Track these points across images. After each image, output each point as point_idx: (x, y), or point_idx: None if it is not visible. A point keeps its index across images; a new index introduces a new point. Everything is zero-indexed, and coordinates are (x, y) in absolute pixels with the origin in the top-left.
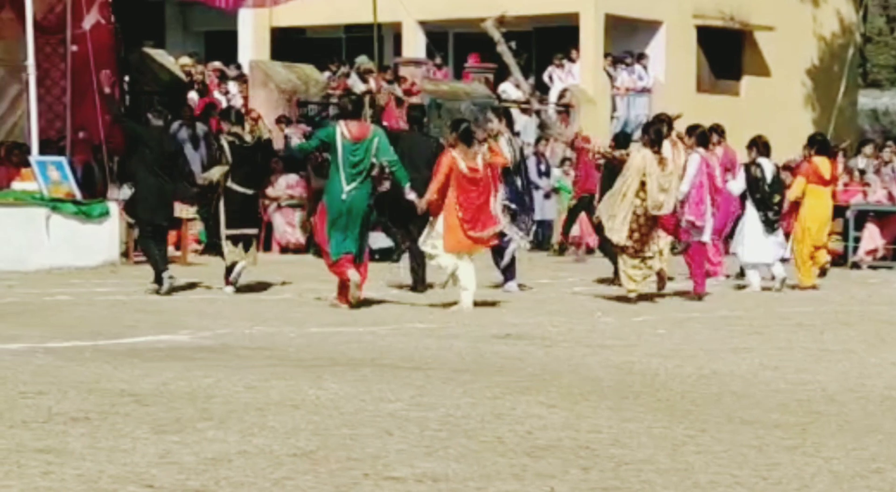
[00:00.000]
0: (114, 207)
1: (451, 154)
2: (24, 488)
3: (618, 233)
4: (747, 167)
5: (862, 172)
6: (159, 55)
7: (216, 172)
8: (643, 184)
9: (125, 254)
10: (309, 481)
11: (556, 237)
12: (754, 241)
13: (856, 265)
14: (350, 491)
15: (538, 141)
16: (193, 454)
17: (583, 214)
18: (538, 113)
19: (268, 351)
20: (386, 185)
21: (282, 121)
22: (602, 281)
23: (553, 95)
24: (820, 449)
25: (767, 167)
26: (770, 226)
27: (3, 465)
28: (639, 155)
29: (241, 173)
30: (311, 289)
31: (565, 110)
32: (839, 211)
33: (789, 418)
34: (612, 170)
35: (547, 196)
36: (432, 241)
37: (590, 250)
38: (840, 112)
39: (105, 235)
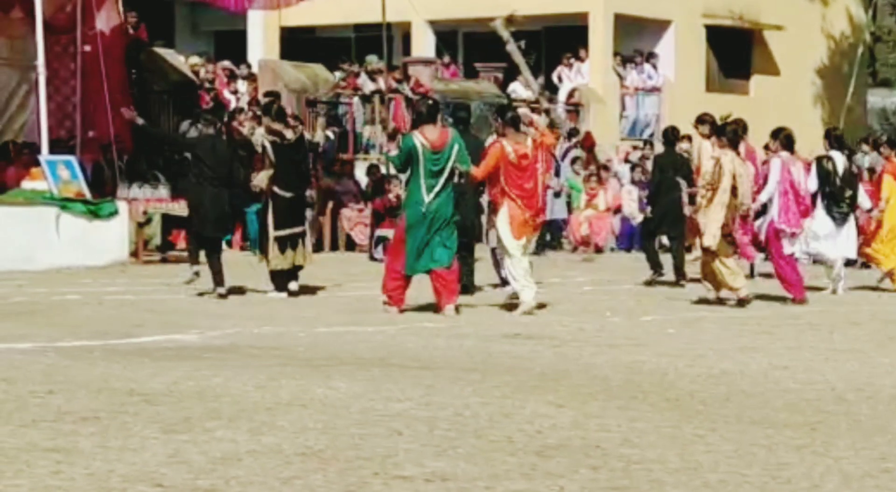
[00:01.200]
0: (123, 207)
1: (501, 143)
2: (34, 487)
3: (714, 238)
4: (819, 160)
5: (871, 171)
6: (169, 55)
7: (263, 178)
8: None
9: (134, 253)
10: (318, 481)
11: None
12: (823, 236)
13: (865, 265)
14: (359, 490)
15: None
16: (202, 454)
17: (592, 213)
18: (547, 112)
19: (277, 350)
20: None
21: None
22: (648, 284)
23: (562, 95)
24: (829, 449)
25: (839, 160)
26: (842, 220)
27: (13, 464)
28: (727, 158)
29: (282, 175)
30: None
31: (574, 110)
32: None
33: (798, 417)
34: (664, 171)
35: (557, 195)
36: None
37: (598, 250)
38: (849, 111)
39: (114, 234)
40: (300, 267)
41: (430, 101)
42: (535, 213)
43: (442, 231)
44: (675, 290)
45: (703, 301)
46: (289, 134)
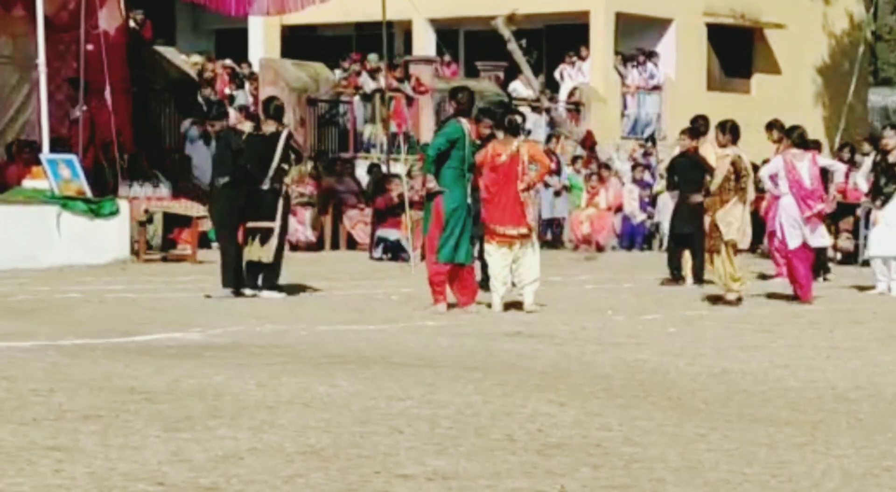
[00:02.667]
0: (124, 205)
1: (492, 143)
2: (36, 485)
3: (742, 233)
4: None
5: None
6: (170, 53)
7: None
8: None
9: (135, 252)
10: (319, 479)
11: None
12: None
13: (867, 263)
14: (360, 489)
15: (549, 139)
16: (204, 452)
17: (594, 211)
18: (548, 111)
19: (278, 349)
20: None
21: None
22: (663, 283)
23: (563, 94)
24: (830, 447)
25: None
26: None
27: (14, 462)
28: (734, 155)
29: (252, 167)
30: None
31: (575, 109)
32: (849, 209)
33: (800, 416)
34: (694, 167)
35: (557, 194)
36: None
37: (599, 248)
38: (850, 110)
39: (115, 232)
40: (269, 264)
41: (469, 92)
42: (499, 220)
43: (468, 225)
44: (679, 288)
45: (716, 299)
46: (267, 128)
